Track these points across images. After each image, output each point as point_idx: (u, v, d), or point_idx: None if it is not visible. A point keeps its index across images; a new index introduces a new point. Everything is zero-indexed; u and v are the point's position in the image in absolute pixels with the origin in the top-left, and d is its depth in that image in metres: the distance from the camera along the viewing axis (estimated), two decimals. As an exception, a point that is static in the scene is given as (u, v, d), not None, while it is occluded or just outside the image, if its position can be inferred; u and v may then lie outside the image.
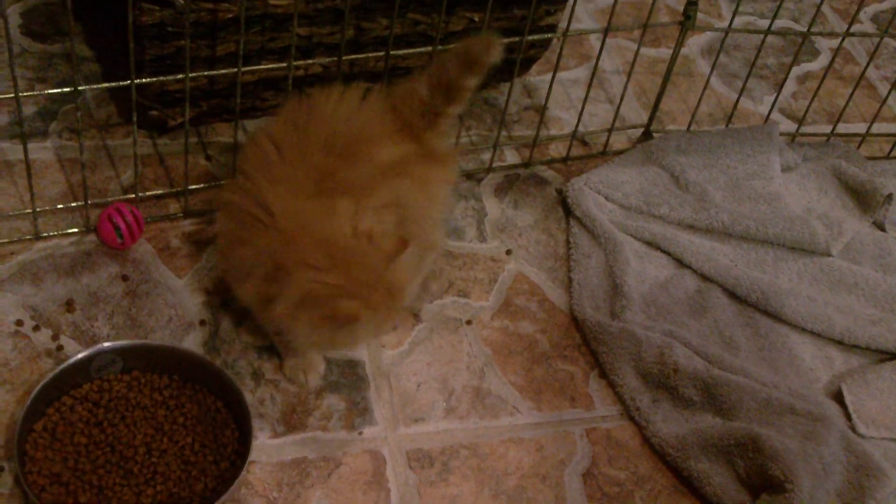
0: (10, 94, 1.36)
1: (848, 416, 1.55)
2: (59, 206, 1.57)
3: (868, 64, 1.91)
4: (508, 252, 1.70)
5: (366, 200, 1.33)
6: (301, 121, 1.37)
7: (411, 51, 1.63)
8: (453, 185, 1.51)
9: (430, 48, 1.60)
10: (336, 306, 1.26)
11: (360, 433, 1.44)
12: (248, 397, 1.42)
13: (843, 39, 1.88)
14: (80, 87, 1.40)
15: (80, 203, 1.56)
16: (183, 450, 1.33)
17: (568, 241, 1.73)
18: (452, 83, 1.36)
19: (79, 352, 1.36)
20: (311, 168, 1.33)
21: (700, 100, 1.89)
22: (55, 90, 1.42)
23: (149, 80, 1.47)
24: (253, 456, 1.38)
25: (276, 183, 1.33)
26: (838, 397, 1.58)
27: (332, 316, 1.26)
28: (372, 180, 1.35)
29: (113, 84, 1.46)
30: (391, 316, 1.33)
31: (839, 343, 1.67)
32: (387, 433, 1.45)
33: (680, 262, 1.73)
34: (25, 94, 1.40)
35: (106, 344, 1.36)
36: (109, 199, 1.59)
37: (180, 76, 1.47)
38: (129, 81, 1.43)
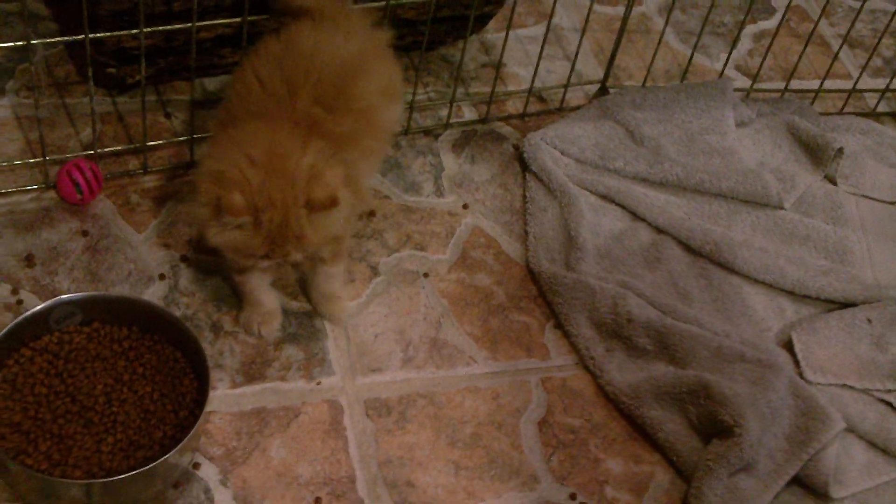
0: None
1: (797, 364, 1.59)
2: (17, 163, 1.58)
3: (818, 20, 1.94)
4: (465, 206, 1.72)
5: (346, 151, 1.37)
6: (281, 57, 1.41)
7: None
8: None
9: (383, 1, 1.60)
10: (226, 195, 1.28)
11: (319, 383, 1.47)
12: (208, 349, 1.45)
13: (795, -5, 1.91)
14: (33, 41, 1.40)
15: (38, 159, 1.57)
16: (142, 399, 1.35)
17: (524, 196, 1.76)
18: None
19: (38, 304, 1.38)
20: (299, 115, 1.37)
21: (654, 56, 1.91)
22: (6, 44, 1.42)
23: (103, 34, 1.48)
24: (212, 406, 1.40)
25: (253, 115, 1.37)
26: (789, 346, 1.62)
27: (217, 199, 1.28)
28: (359, 130, 1.40)
29: (67, 38, 1.47)
30: (270, 252, 1.33)
31: (790, 293, 1.70)
32: (344, 383, 1.48)
33: (634, 215, 1.75)
34: (-21, 48, 1.40)
35: (65, 296, 1.38)
36: (68, 156, 1.60)
37: (135, 31, 1.48)
38: (83, 36, 1.44)
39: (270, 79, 1.40)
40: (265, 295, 1.48)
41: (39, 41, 1.43)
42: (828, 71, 2.00)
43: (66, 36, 1.66)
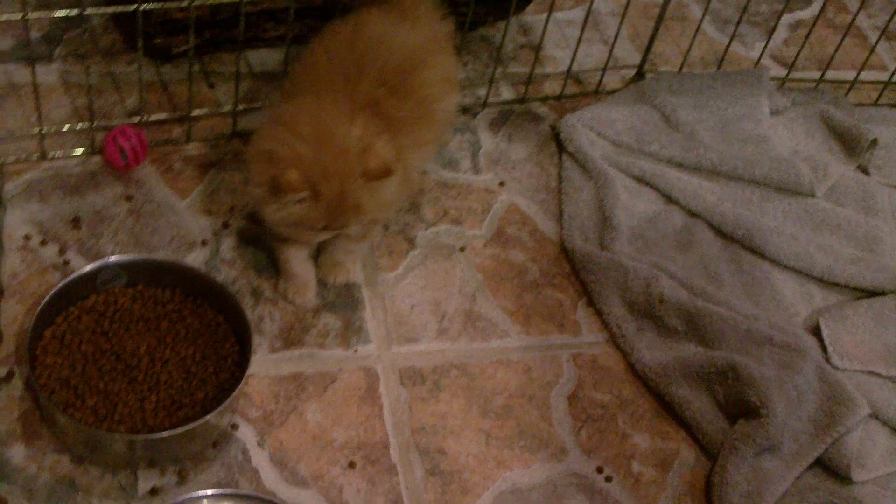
0: (19, 15, 1.40)
1: (824, 349, 1.61)
2: (65, 129, 1.62)
3: (857, 12, 1.95)
4: (502, 184, 1.75)
5: (404, 136, 1.41)
6: (350, 39, 1.45)
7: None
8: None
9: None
10: (284, 169, 1.31)
11: (355, 351, 1.50)
12: (248, 315, 1.47)
13: (834, -14, 1.92)
14: (86, 12, 1.43)
15: (85, 125, 1.61)
16: (184, 360, 1.38)
17: (560, 175, 1.78)
18: None
19: (85, 265, 1.41)
20: (361, 98, 1.40)
21: (692, 43, 1.93)
22: (62, 12, 1.45)
23: (154, 5, 1.51)
24: (252, 370, 1.43)
25: (317, 90, 1.41)
26: (816, 331, 1.64)
27: (273, 178, 1.32)
28: (419, 117, 1.45)
29: (119, 8, 1.49)
30: (330, 223, 1.37)
31: (819, 280, 1.72)
32: (380, 352, 1.51)
33: (668, 198, 1.78)
34: (34, 14, 1.43)
35: (112, 258, 1.41)
36: (114, 123, 1.63)
37: (184, 3, 1.51)
38: (134, 7, 1.47)
39: (338, 57, 1.44)
40: (301, 266, 1.51)
41: (93, 11, 1.45)
42: (864, 62, 2.01)
43: (113, 5, 1.69)
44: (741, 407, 1.50)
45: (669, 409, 1.53)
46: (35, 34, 1.74)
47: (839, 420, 1.49)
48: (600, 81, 1.92)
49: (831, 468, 1.48)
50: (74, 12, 1.43)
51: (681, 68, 1.96)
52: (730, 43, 1.95)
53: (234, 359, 1.40)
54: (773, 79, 1.98)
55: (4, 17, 1.39)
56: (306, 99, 1.42)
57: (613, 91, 1.92)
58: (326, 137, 1.35)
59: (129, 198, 1.58)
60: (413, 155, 1.50)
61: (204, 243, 1.56)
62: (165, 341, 1.40)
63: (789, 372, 1.52)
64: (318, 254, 1.56)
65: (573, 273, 1.66)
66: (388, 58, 1.44)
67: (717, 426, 1.51)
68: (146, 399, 1.34)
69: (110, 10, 1.49)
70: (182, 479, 1.33)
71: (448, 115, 1.59)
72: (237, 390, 1.33)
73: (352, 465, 1.39)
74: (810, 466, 1.48)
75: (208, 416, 1.30)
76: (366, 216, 1.40)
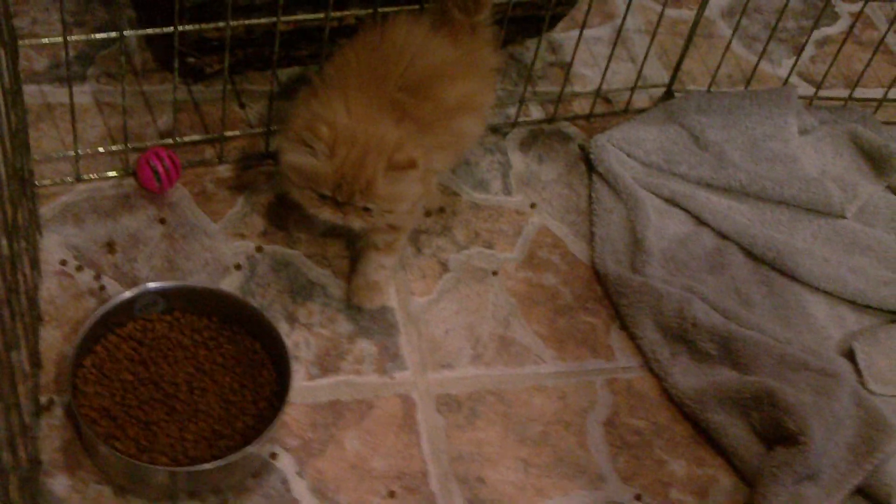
0: (59, 37, 1.39)
1: (859, 373, 1.60)
2: (101, 150, 1.61)
3: (888, 30, 1.94)
4: (532, 205, 1.74)
5: (424, 137, 1.44)
6: (379, 44, 1.49)
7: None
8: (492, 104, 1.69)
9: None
10: (314, 122, 1.37)
11: (392, 377, 1.49)
12: (286, 341, 1.47)
13: (864, 4, 1.91)
14: (125, 33, 1.43)
15: (120, 146, 1.60)
16: (223, 389, 1.38)
17: (590, 196, 1.77)
18: None
19: (123, 291, 1.40)
20: (384, 96, 1.44)
21: (721, 61, 1.93)
22: (101, 35, 1.45)
23: (191, 27, 1.50)
24: (289, 397, 1.43)
25: (348, 81, 1.45)
26: (849, 355, 1.63)
27: (306, 123, 1.37)
28: (438, 117, 1.48)
29: (157, 30, 1.49)
30: (338, 187, 1.40)
31: (852, 303, 1.72)
32: (416, 378, 1.50)
33: (698, 220, 1.77)
34: (73, 38, 1.42)
35: (151, 284, 1.41)
36: (147, 144, 1.62)
37: (221, 24, 1.50)
38: (171, 28, 1.46)
39: (367, 59, 1.47)
40: (374, 269, 1.55)
41: (131, 32, 1.45)
42: (893, 80, 2.00)
43: (146, 23, 1.69)
44: (778, 433, 1.49)
45: (706, 435, 1.53)
46: (70, 53, 1.73)
47: (878, 447, 1.49)
48: (629, 100, 1.91)
49: (872, 496, 1.48)
50: (114, 34, 1.43)
51: (709, 87, 1.95)
52: (758, 62, 1.94)
53: (272, 387, 1.39)
54: (800, 97, 1.98)
55: (46, 40, 1.38)
56: (356, 91, 1.45)
57: (642, 110, 1.91)
58: (370, 120, 1.41)
59: (162, 221, 1.58)
60: (430, 158, 1.51)
61: (238, 267, 1.55)
62: (203, 369, 1.39)
63: (826, 398, 1.52)
64: (350, 276, 1.56)
65: (605, 296, 1.65)
66: (409, 63, 1.47)
67: (754, 452, 1.50)
68: (186, 429, 1.33)
69: (149, 31, 1.48)
70: (223, 509, 1.33)
71: (464, 136, 1.59)
72: (277, 420, 1.33)
73: (391, 494, 1.38)
74: (850, 494, 1.47)
75: (249, 448, 1.29)
76: (374, 199, 1.41)
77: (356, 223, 1.44)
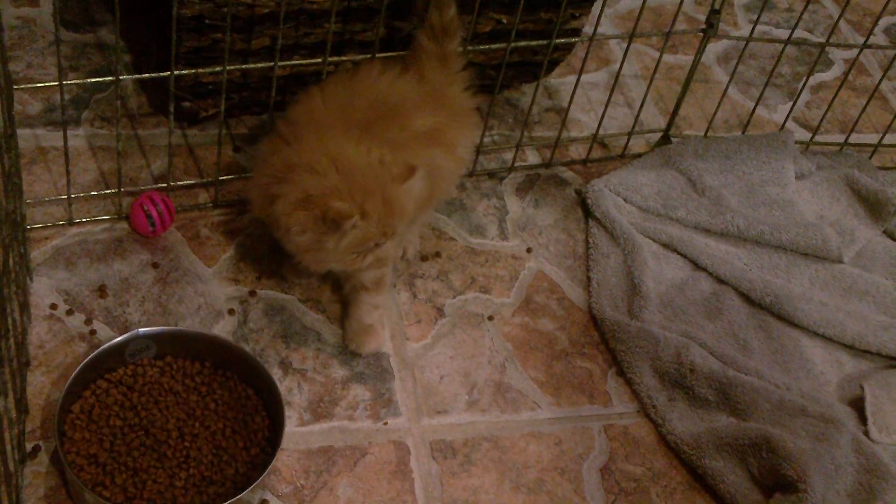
0: (54, 81, 1.39)
1: (863, 420, 1.58)
2: (94, 194, 1.60)
3: (882, 77, 1.95)
4: (529, 250, 1.73)
5: (398, 154, 1.43)
6: (348, 84, 1.50)
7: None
8: (474, 145, 1.67)
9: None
10: (328, 204, 1.34)
11: (385, 423, 1.48)
12: (279, 387, 1.45)
13: (860, 51, 1.92)
14: (121, 77, 1.43)
15: (113, 190, 1.59)
16: (214, 435, 1.36)
17: (587, 241, 1.77)
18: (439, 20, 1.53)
19: (114, 336, 1.39)
20: (354, 121, 1.44)
21: (718, 107, 1.93)
22: (97, 79, 1.45)
23: (187, 71, 1.50)
24: (281, 443, 1.41)
25: (315, 124, 1.44)
26: (849, 400, 1.61)
27: (323, 216, 1.34)
28: (407, 142, 1.46)
29: (153, 74, 1.49)
30: (385, 230, 1.39)
31: (850, 347, 1.71)
32: (411, 424, 1.49)
33: (696, 265, 1.76)
34: (70, 82, 1.42)
35: (141, 329, 1.39)
36: (141, 188, 1.62)
37: (217, 68, 1.50)
38: (168, 72, 1.46)
39: (335, 98, 1.48)
40: (368, 313, 1.54)
41: (127, 76, 1.45)
42: (888, 126, 2.00)
43: (140, 69, 1.69)
44: (777, 480, 1.47)
45: (703, 482, 1.51)
46: (65, 97, 1.73)
47: (878, 494, 1.47)
48: (626, 145, 1.91)
49: (872, 545, 1.46)
50: (109, 79, 1.42)
51: (706, 132, 1.95)
52: (755, 108, 1.94)
53: (265, 433, 1.38)
54: (797, 142, 1.98)
55: (41, 84, 1.38)
56: (308, 139, 1.43)
57: (639, 155, 1.91)
58: (345, 163, 1.39)
59: (155, 265, 1.57)
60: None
61: (231, 312, 1.54)
62: (195, 415, 1.37)
63: (825, 444, 1.50)
64: (343, 320, 1.55)
65: (602, 342, 1.64)
66: (376, 97, 1.48)
67: (753, 500, 1.48)
68: (176, 476, 1.31)
69: (145, 76, 1.48)
70: (212, 557, 1.31)
71: (437, 169, 1.55)
72: (269, 467, 1.31)
73: (384, 542, 1.36)
74: (850, 543, 1.45)
75: (241, 495, 1.27)
76: (408, 216, 1.43)
77: (393, 252, 1.46)
